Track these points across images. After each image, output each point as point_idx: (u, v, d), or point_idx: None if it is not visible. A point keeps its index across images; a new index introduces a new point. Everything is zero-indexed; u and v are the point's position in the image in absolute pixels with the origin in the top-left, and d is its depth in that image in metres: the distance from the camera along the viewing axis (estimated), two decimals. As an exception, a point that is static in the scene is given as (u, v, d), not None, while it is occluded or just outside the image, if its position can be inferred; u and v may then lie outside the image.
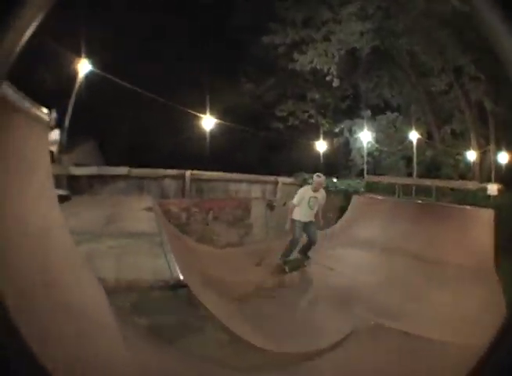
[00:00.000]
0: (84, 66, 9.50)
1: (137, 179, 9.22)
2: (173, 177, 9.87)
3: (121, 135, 13.05)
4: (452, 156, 15.81)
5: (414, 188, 13.43)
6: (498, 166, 13.69)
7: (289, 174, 13.17)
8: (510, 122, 13.95)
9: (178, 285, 4.26)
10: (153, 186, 9.45)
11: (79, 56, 9.40)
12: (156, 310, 3.88)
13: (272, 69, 16.56)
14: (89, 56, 9.58)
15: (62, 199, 6.70)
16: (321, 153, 14.95)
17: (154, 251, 5.05)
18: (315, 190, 8.00)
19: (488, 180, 12.91)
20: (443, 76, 15.98)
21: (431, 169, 15.71)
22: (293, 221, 7.95)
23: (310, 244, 8.11)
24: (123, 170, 9.03)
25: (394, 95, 17.92)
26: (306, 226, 8.02)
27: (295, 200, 7.95)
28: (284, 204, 11.02)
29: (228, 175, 11.08)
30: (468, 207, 10.95)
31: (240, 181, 11.49)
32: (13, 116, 2.31)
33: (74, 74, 9.36)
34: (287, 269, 7.64)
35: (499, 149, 14.18)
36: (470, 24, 12.32)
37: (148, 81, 10.87)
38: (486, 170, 14.38)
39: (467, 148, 15.32)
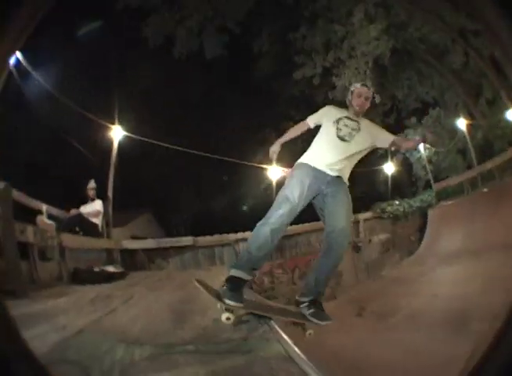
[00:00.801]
0: (117, 133, 9.13)
1: (205, 249, 8.66)
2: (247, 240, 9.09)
3: (179, 203, 12.73)
4: (495, 125, 14.62)
5: (480, 178, 12.49)
6: None
7: (365, 208, 12.58)
8: None
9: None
10: (225, 253, 8.73)
11: (112, 123, 9.09)
12: None
13: (313, 104, 15.84)
14: (122, 122, 9.29)
15: (114, 276, 6.11)
16: (389, 176, 14.70)
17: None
18: (360, 110, 4.09)
19: None
20: (457, 47, 15.28)
21: (486, 150, 14.42)
22: (296, 167, 3.93)
23: (329, 256, 3.80)
24: (187, 240, 8.48)
25: (428, 91, 17.50)
26: (326, 195, 3.83)
27: (311, 117, 4.17)
28: (369, 242, 10.38)
29: (308, 226, 9.85)
30: None
31: (320, 230, 10.51)
32: None
33: (110, 142, 8.97)
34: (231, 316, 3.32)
35: None
36: None
37: (191, 140, 10.66)
38: None
39: (504, 110, 13.85)
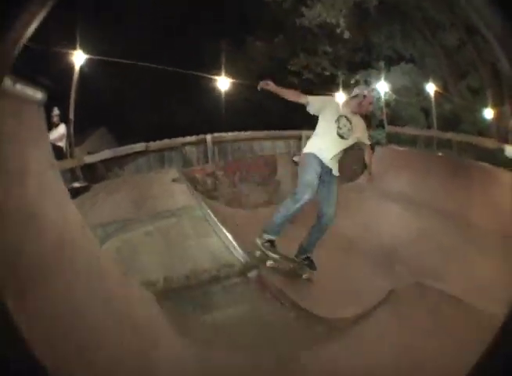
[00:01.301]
0: (79, 57, 8.98)
1: (156, 153, 9.09)
2: (194, 144, 9.69)
3: (133, 113, 12.94)
4: (470, 111, 15.37)
5: (435, 141, 13.09)
6: None
7: (312, 127, 12.90)
8: None
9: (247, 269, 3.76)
10: (174, 156, 9.30)
11: (73, 48, 8.90)
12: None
13: (279, 26, 16.54)
14: (83, 44, 9.08)
15: (79, 191, 6.55)
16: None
17: (201, 229, 4.31)
18: (354, 112, 4.82)
19: (506, 141, 12.23)
20: (454, 31, 15.43)
21: (451, 123, 15.15)
22: (305, 157, 4.76)
23: (321, 227, 4.80)
24: (140, 146, 8.85)
25: (408, 48, 17.48)
26: (325, 180, 4.64)
27: (312, 98, 4.91)
28: None
29: (249, 134, 10.85)
30: (489, 165, 10.49)
31: (264, 138, 11.21)
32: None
33: (71, 67, 8.86)
34: (270, 262, 4.59)
35: None
36: None
37: (151, 53, 10.78)
38: (503, 131, 13.89)
39: (484, 105, 14.81)
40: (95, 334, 1.92)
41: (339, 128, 4.65)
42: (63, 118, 8.48)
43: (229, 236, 4.33)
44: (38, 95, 2.71)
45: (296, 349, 3.11)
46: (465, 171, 10.21)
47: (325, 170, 4.61)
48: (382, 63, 16.65)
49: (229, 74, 11.91)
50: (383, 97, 14.99)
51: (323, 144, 4.65)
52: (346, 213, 7.86)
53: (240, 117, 12.56)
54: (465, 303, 4.20)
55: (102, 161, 8.35)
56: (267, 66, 16.78)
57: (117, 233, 4.02)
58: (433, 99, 14.33)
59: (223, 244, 4.06)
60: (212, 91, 11.46)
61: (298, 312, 3.64)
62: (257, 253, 4.45)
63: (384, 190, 9.99)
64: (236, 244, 4.14)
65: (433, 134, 13.44)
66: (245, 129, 10.79)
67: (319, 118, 4.84)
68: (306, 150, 4.75)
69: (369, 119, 15.81)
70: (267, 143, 11.24)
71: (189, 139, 9.62)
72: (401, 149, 12.54)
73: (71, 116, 8.67)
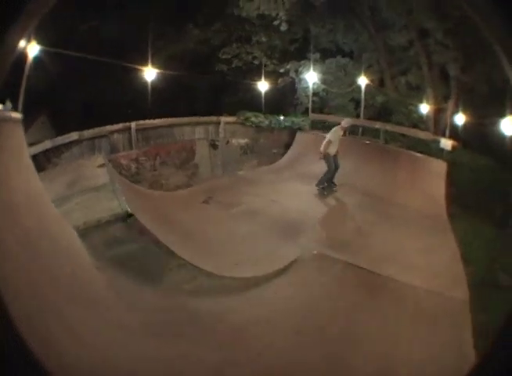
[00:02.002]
0: (33, 49, 9.10)
1: (88, 141, 9.70)
2: (120, 131, 10.33)
3: (70, 102, 13.29)
4: (404, 104, 16.39)
5: (361, 129, 14.46)
6: (454, 125, 14.01)
7: (233, 113, 13.89)
8: (476, 91, 14.37)
9: (127, 216, 5.53)
10: (103, 143, 9.93)
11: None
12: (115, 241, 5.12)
13: (219, 15, 16.75)
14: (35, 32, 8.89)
15: None
16: (263, 93, 15.33)
17: (109, 197, 6.13)
18: (343, 131, 10.40)
19: (443, 135, 13.41)
20: (404, 32, 16.20)
21: (382, 114, 16.35)
22: (328, 155, 9.87)
23: (335, 170, 10.06)
24: (73, 135, 9.43)
25: (348, 43, 18.14)
26: (335, 158, 10.06)
27: (332, 137, 9.98)
28: (227, 143, 12.04)
29: (170, 120, 11.67)
30: (419, 154, 11.79)
31: (184, 124, 11.99)
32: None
33: (24, 59, 8.87)
34: (325, 193, 9.68)
35: (456, 110, 14.41)
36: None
37: (88, 42, 11.23)
38: (441, 126, 14.90)
39: (420, 101, 15.79)
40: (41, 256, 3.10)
41: (338, 141, 10.01)
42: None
43: (123, 200, 6.08)
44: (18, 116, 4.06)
45: (177, 294, 4.56)
46: (392, 157, 11.51)
47: (335, 155, 9.83)
48: (317, 55, 17.50)
49: (161, 61, 12.47)
50: (311, 87, 16.16)
51: (334, 148, 9.92)
52: (259, 190, 9.31)
53: (167, 106, 12.86)
54: (369, 271, 5.28)
55: (43, 152, 8.77)
56: (201, 54, 17.07)
57: (59, 206, 5.60)
58: (363, 91, 15.45)
59: (118, 203, 5.93)
60: (141, 79, 11.77)
61: (179, 261, 5.16)
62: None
63: (301, 172, 11.09)
64: (124, 203, 5.91)
65: (358, 122, 14.67)
66: (173, 115, 11.62)
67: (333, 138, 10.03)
68: (329, 152, 9.94)
69: (295, 107, 17.11)
70: (187, 129, 12.01)
71: (116, 126, 10.27)
72: (322, 134, 13.15)
73: (20, 108, 8.69)
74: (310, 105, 15.91)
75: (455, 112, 14.15)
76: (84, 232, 5.03)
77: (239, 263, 5.56)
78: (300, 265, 5.47)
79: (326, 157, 9.73)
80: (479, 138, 14.12)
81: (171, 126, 11.70)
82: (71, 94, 13.17)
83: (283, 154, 13.34)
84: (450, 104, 14.33)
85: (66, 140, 9.35)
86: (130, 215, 5.70)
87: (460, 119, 13.90)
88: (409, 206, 9.26)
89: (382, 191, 9.90)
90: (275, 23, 16.37)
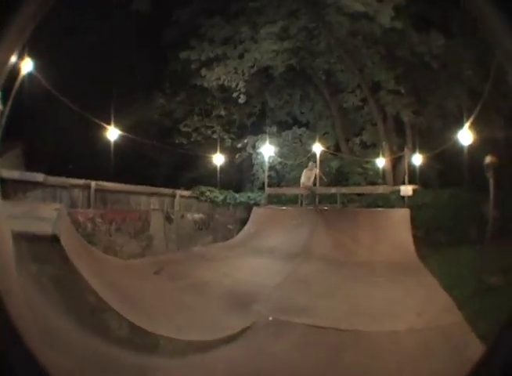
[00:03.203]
0: (26, 66, 9.38)
1: (51, 188, 9.62)
2: (81, 187, 10.26)
3: (44, 143, 13.23)
4: (359, 164, 17.08)
5: (317, 196, 14.83)
6: (412, 169, 14.53)
7: (189, 187, 14.15)
8: (430, 129, 15.52)
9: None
10: (64, 195, 9.88)
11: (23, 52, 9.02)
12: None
13: (185, 85, 17.48)
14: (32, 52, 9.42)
15: None
16: (218, 167, 15.54)
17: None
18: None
19: (402, 183, 14.11)
20: (358, 92, 17.56)
21: (339, 179, 17.16)
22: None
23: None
24: (39, 176, 9.29)
25: (304, 112, 19.44)
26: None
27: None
28: (182, 217, 11.84)
29: (128, 187, 11.55)
30: (380, 209, 12.24)
31: (141, 193, 11.97)
32: None
33: (16, 73, 9.09)
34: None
35: (413, 153, 15.11)
36: (400, 41, 14.06)
37: (74, 88, 11.28)
38: (400, 174, 15.53)
39: (377, 156, 16.48)
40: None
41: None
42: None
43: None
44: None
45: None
46: (351, 218, 11.80)
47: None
48: (274, 128, 18.63)
49: (126, 125, 12.72)
50: (266, 161, 16.62)
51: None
52: (212, 265, 9.21)
53: (127, 170, 13.26)
54: (333, 329, 4.94)
55: (13, 181, 8.64)
56: (165, 124, 17.80)
57: None
58: (318, 159, 15.77)
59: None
60: (106, 139, 11.92)
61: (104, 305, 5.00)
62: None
63: (256, 247, 11.06)
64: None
65: (314, 191, 15.07)
66: (129, 182, 11.50)
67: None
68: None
69: (253, 182, 17.75)
70: (143, 198, 12.02)
71: (77, 181, 10.19)
72: (279, 208, 14.23)
73: (2, 122, 8.45)
74: (266, 180, 16.18)
75: (412, 155, 14.82)
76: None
77: (180, 327, 5.14)
78: (254, 331, 5.20)
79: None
80: (438, 170, 15.47)
81: (128, 193, 11.60)
82: (48, 134, 13.11)
83: (239, 230, 13.30)
84: (407, 150, 14.87)
85: (32, 178, 9.21)
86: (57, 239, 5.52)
87: (417, 160, 14.64)
88: (374, 260, 9.37)
89: (343, 253, 10.00)
90: (235, 95, 17.01)
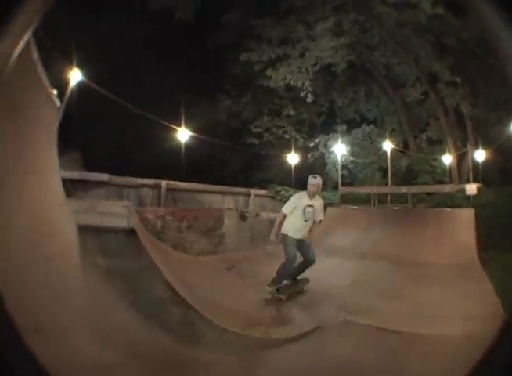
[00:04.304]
0: (75, 76, 9.90)
1: (117, 187, 9.78)
2: (150, 186, 10.38)
3: (103, 145, 13.59)
4: (427, 162, 16.47)
5: (389, 196, 14.30)
6: (475, 165, 14.20)
7: (263, 187, 14.06)
8: (487, 121, 14.91)
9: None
10: (131, 194, 10.02)
11: (71, 64, 9.83)
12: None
13: (249, 86, 17.38)
14: (80, 65, 9.97)
15: None
16: (292, 166, 15.48)
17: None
18: (312, 196, 6.93)
19: (467, 181, 13.54)
20: (418, 85, 16.96)
21: (408, 178, 16.55)
22: (284, 237, 6.86)
23: (306, 265, 7.06)
24: (104, 176, 9.54)
25: (371, 109, 19.00)
26: (300, 244, 6.88)
27: (285, 208, 6.92)
28: (257, 215, 11.71)
29: (201, 186, 11.62)
30: (447, 209, 11.72)
31: (214, 192, 11.99)
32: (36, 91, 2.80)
33: (66, 83, 9.66)
34: (283, 297, 6.61)
35: (476, 148, 14.71)
36: (444, 28, 13.71)
37: (132, 94, 11.38)
38: (465, 172, 15.08)
39: (443, 153, 16.01)
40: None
41: (304, 215, 6.80)
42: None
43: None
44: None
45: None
46: (419, 219, 11.44)
47: (299, 239, 6.79)
48: (344, 126, 18.09)
49: (195, 128, 12.81)
50: (339, 160, 16.18)
51: (294, 226, 6.80)
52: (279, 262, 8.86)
53: (197, 170, 13.32)
54: (402, 333, 4.84)
55: (70, 181, 8.54)
56: (233, 125, 17.71)
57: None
58: (389, 157, 15.50)
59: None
60: (174, 140, 12.25)
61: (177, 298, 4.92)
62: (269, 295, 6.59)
63: (329, 247, 10.57)
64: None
65: (385, 190, 14.73)
66: (199, 182, 11.54)
67: (292, 211, 6.88)
68: (285, 231, 6.81)
69: (326, 182, 16.77)
70: (217, 197, 12.05)
71: (146, 181, 10.34)
72: (352, 207, 13.66)
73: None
74: (339, 179, 15.86)
75: (474, 150, 14.50)
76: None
77: (250, 324, 5.20)
78: (322, 331, 5.12)
79: (276, 236, 7.00)
80: (499, 166, 14.85)
81: (201, 192, 11.71)
82: (106, 137, 13.49)
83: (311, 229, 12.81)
84: (469, 146, 14.51)
85: (94, 178, 9.47)
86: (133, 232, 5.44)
87: (480, 156, 14.35)
88: (438, 262, 9.03)
89: (410, 254, 9.69)
90: (302, 94, 16.80)
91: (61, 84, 9.46)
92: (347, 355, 4.36)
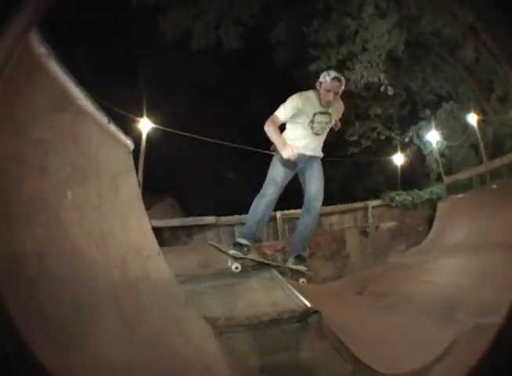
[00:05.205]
0: (145, 125, 10.15)
1: (226, 227, 9.59)
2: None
3: (199, 186, 13.58)
4: (507, 123, 15.02)
5: (488, 174, 13.07)
6: None
7: (375, 195, 13.72)
8: None
9: (311, 313, 4.07)
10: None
11: (140, 115, 10.17)
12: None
13: None
14: (148, 114, 10.33)
15: None
16: (399, 167, 15.47)
17: (267, 285, 4.87)
18: (328, 104, 4.95)
19: None
20: (467, 42, 15.70)
21: (497, 148, 14.86)
22: (277, 157, 5.03)
23: (308, 210, 5.28)
24: (210, 219, 9.44)
25: (442, 84, 17.90)
26: (304, 169, 5.17)
27: (282, 112, 4.84)
28: (377, 228, 11.33)
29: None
30: None
31: (331, 213, 11.61)
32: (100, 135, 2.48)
33: (139, 134, 9.94)
34: (237, 266, 5.15)
35: None
36: None
37: (208, 127, 11.34)
38: None
39: None
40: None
41: (313, 127, 4.96)
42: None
43: (295, 291, 4.65)
44: (129, 141, 3.22)
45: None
46: None
47: (302, 159, 5.01)
48: (427, 112, 17.15)
49: None
50: (435, 147, 15.36)
51: (299, 140, 4.96)
52: (411, 275, 8.22)
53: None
54: None
55: (171, 228, 8.86)
56: (328, 140, 17.13)
57: (184, 284, 4.23)
58: (477, 131, 14.39)
59: (287, 295, 4.43)
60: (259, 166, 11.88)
61: (356, 366, 3.54)
62: (232, 252, 5.04)
63: (447, 246, 10.21)
64: (299, 295, 4.45)
65: (483, 169, 13.37)
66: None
67: (292, 120, 4.95)
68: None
69: (428, 175, 16.37)
70: (334, 217, 11.66)
71: None
72: (458, 196, 12.68)
73: (140, 179, 9.42)
74: (441, 169, 14.81)
75: None
76: (225, 330, 3.59)
77: (399, 355, 4.08)
78: (460, 343, 3.91)
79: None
80: None
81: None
82: (199, 177, 13.46)
83: (427, 231, 12.19)
84: None
85: (200, 222, 9.33)
86: (315, 312, 4.09)
87: None
88: None
89: None
90: (382, 89, 16.15)
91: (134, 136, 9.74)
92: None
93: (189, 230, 9.21)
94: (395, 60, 16.89)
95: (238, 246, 5.05)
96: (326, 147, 5.41)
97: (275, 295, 4.50)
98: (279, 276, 5.32)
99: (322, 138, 5.14)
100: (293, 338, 3.86)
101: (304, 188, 5.15)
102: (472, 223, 10.45)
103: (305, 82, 16.44)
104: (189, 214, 10.85)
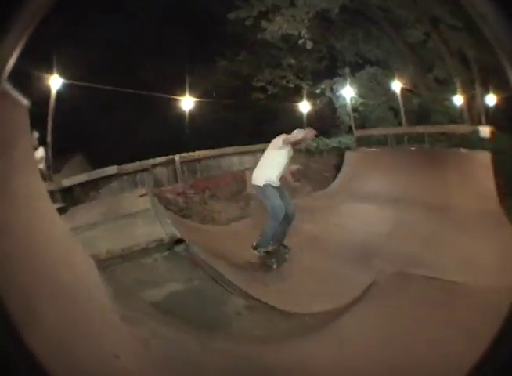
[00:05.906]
0: (55, 81, 9.61)
1: (128, 175, 9.42)
2: (163, 164, 9.98)
3: (105, 138, 13.30)
4: (439, 102, 15.98)
5: (406, 137, 13.70)
6: (487, 109, 13.91)
7: None
8: (494, 67, 13.57)
9: (175, 242, 4.45)
10: (145, 177, 9.62)
11: (50, 72, 9.58)
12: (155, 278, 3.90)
13: (243, 43, 16.84)
14: (58, 68, 9.69)
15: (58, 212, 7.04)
16: (304, 115, 15.30)
17: (149, 221, 5.30)
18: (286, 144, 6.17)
19: (479, 123, 13.16)
20: (418, 26, 16.04)
21: (421, 117, 15.91)
22: (264, 188, 5.92)
23: (288, 222, 6.12)
24: (112, 169, 9.23)
25: (372, 50, 18.09)
26: (281, 193, 6.14)
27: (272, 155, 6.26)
28: None
29: (216, 152, 11.24)
30: (463, 150, 11.27)
31: (231, 154, 11.58)
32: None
33: (48, 91, 9.49)
34: (274, 265, 5.95)
35: (486, 92, 14.30)
36: None
37: (118, 77, 10.97)
38: (476, 114, 14.62)
39: (453, 93, 15.52)
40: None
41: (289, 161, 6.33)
42: (41, 142, 8.89)
43: (169, 222, 5.14)
44: (26, 102, 3.20)
45: (254, 343, 3.31)
46: (439, 160, 10.98)
47: (279, 188, 6.07)
48: (347, 70, 17.31)
49: (195, 94, 12.30)
50: (349, 103, 15.81)
51: (278, 173, 6.10)
52: (318, 217, 8.62)
53: (208, 136, 13.01)
54: (452, 282, 4.42)
55: (80, 185, 8.73)
56: (233, 84, 17.19)
57: (83, 232, 4.78)
58: (400, 97, 15.11)
59: (162, 228, 4.80)
60: (179, 111, 11.83)
61: (250, 302, 4.01)
62: (268, 262, 5.92)
63: (356, 193, 10.63)
64: (171, 227, 4.87)
65: (402, 130, 14.17)
66: (215, 147, 11.15)
67: (273, 154, 6.18)
68: (263, 182, 5.90)
69: (338, 126, 16.76)
70: (235, 159, 11.57)
71: (158, 160, 9.96)
72: (370, 150, 13.28)
73: (49, 139, 9.25)
74: (352, 122, 15.48)
75: (484, 94, 14.14)
76: (108, 264, 3.88)
77: (313, 296, 4.78)
78: (378, 287, 4.64)
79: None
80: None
81: (218, 156, 11.30)
82: (104, 129, 13.18)
83: (334, 177, 12.75)
84: (478, 89, 14.14)
85: (103, 174, 9.16)
86: (179, 241, 4.40)
87: (491, 100, 14.03)
88: (465, 207, 8.78)
89: (437, 198, 9.43)
90: (300, 42, 16.18)
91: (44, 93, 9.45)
92: (407, 309, 3.93)
93: (95, 184, 9.03)
94: (327, 20, 16.87)
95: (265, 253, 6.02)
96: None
97: (152, 229, 4.81)
98: (164, 212, 5.90)
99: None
100: (167, 267, 4.17)
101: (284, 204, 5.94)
102: (387, 176, 11.08)
103: (219, 30, 16.42)
104: (95, 164, 10.64)
